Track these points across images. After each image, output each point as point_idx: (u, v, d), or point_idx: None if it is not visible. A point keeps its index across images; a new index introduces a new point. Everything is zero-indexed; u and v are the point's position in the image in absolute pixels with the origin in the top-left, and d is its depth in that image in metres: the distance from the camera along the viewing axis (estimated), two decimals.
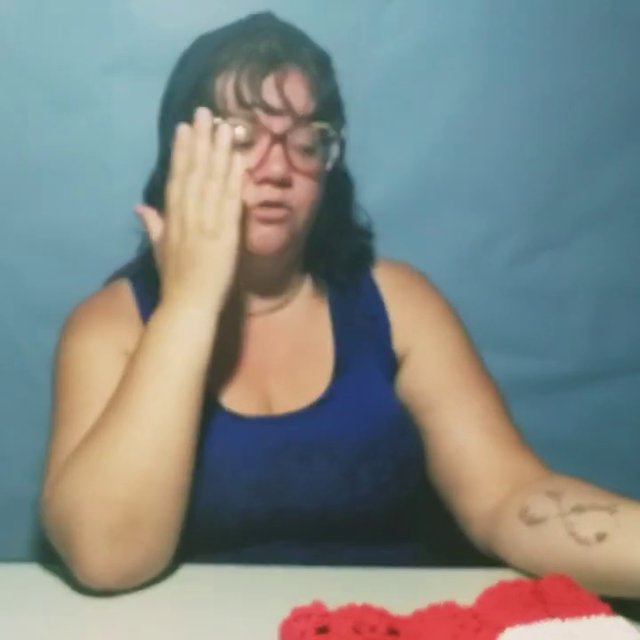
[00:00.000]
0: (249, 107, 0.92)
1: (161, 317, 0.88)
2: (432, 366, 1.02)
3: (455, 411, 0.97)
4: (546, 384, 1.41)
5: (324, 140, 0.96)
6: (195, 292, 0.87)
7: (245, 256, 0.93)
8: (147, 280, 1.02)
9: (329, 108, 0.96)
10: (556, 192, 1.35)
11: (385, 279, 1.08)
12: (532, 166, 1.34)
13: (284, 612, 0.70)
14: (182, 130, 0.91)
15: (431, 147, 1.31)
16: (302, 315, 1.05)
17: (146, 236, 1.05)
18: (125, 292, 1.03)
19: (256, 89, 0.92)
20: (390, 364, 1.04)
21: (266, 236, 0.94)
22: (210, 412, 0.93)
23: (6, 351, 1.32)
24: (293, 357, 1.02)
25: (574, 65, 1.31)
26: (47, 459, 0.89)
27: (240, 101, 0.92)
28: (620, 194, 1.37)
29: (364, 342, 1.03)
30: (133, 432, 0.82)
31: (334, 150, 0.97)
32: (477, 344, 1.06)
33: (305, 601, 0.71)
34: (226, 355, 0.99)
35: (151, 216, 0.95)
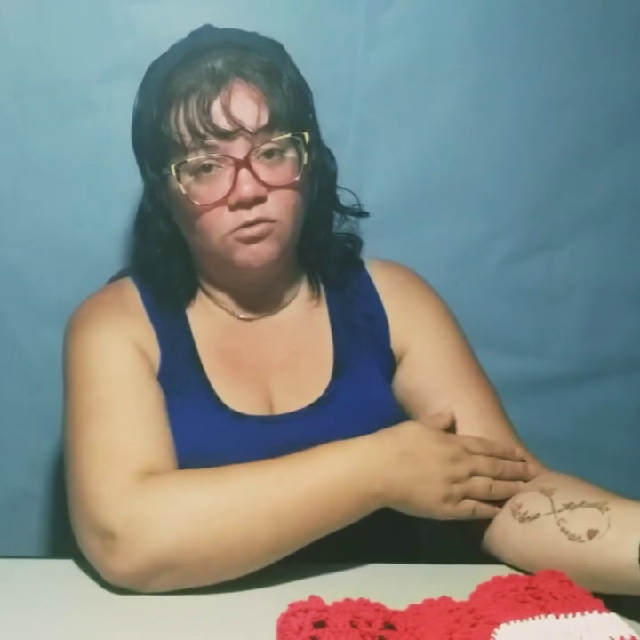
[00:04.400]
0: (203, 136, 0.90)
1: (356, 464, 0.85)
2: (428, 366, 1.02)
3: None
4: (541, 383, 1.41)
5: (290, 145, 0.94)
6: (399, 493, 0.86)
7: (240, 269, 0.95)
8: (149, 278, 1.03)
9: (285, 113, 0.92)
10: (550, 194, 1.36)
11: (382, 279, 1.08)
12: (526, 168, 1.34)
13: (282, 607, 0.71)
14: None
15: (427, 150, 1.31)
16: (301, 315, 1.05)
17: (140, 237, 1.06)
18: (130, 289, 1.03)
19: (206, 116, 0.89)
20: (388, 363, 1.04)
21: (254, 253, 0.93)
22: (212, 410, 0.94)
23: (8, 350, 1.33)
24: (293, 358, 1.02)
25: (568, 68, 1.31)
26: (81, 455, 0.86)
27: (194, 133, 0.90)
28: (614, 195, 1.37)
29: (362, 342, 1.04)
30: (265, 519, 0.81)
31: (303, 156, 0.94)
32: (473, 344, 1.06)
33: (302, 596, 0.72)
34: (228, 356, 1.00)
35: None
